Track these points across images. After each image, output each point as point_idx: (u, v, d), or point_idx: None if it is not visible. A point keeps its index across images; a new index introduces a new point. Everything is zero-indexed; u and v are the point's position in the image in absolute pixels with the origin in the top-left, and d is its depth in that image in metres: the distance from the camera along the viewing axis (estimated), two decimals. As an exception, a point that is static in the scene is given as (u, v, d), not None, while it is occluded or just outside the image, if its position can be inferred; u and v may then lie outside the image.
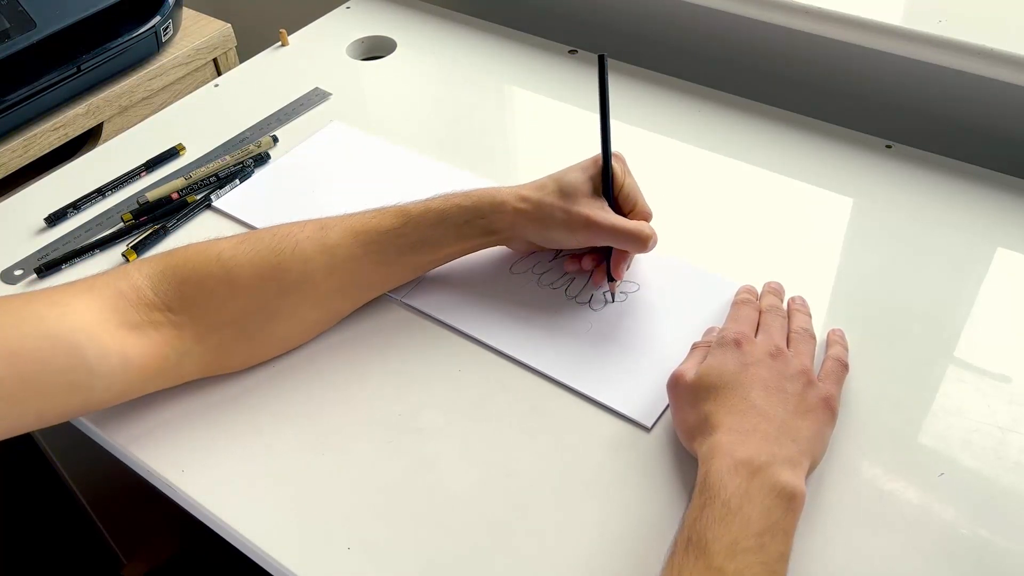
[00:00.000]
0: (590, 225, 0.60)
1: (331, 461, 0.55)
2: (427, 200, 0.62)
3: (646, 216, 0.63)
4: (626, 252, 0.63)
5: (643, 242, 0.61)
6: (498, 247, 0.67)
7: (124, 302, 0.54)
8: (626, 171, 0.63)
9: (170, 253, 0.58)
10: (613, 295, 0.65)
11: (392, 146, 0.80)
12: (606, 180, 0.62)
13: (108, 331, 0.52)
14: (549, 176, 0.63)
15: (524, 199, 0.61)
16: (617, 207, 0.63)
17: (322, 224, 0.60)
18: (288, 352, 0.62)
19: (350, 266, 0.60)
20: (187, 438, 0.57)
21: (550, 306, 0.64)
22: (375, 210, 0.62)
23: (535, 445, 0.56)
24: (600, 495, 0.53)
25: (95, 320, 0.52)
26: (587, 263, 0.65)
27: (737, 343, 0.54)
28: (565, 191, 0.61)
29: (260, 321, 0.58)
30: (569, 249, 0.66)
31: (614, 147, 0.62)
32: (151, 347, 0.54)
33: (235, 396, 0.59)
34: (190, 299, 0.56)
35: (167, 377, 0.57)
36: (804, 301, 0.62)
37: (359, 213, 0.61)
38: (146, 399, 0.58)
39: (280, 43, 0.95)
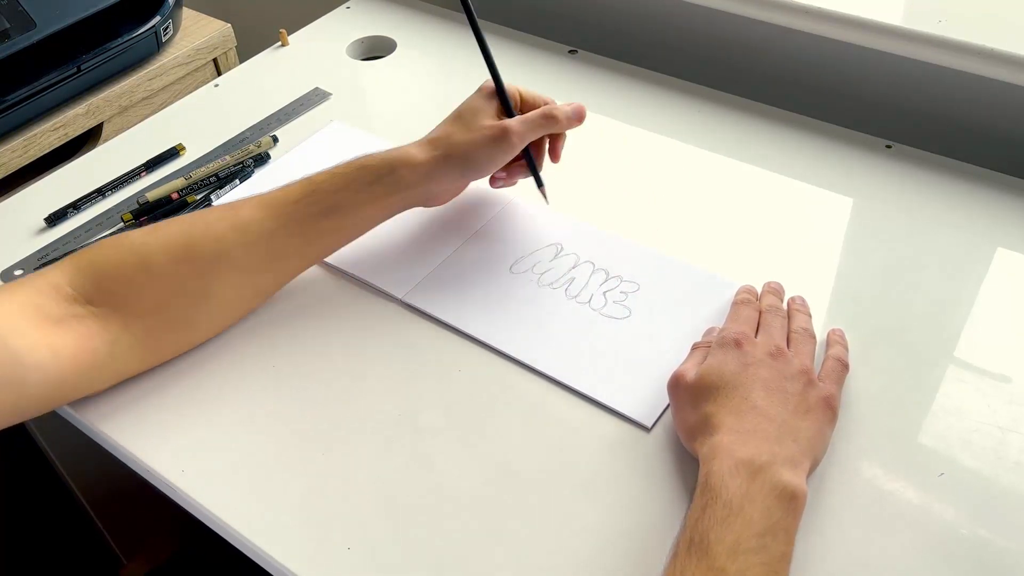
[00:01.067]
0: (509, 127, 0.63)
1: (331, 461, 0.55)
2: (333, 167, 0.63)
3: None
4: (543, 141, 0.67)
5: (563, 118, 0.65)
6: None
7: (43, 298, 0.55)
8: (518, 87, 0.67)
9: (83, 250, 0.59)
10: (545, 197, 0.69)
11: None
12: (503, 98, 0.66)
13: (32, 325, 0.53)
14: (443, 121, 0.66)
15: (431, 143, 0.64)
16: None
17: (231, 205, 0.61)
18: (286, 351, 0.62)
19: (265, 240, 0.60)
20: (187, 438, 0.57)
21: (550, 306, 0.64)
22: (283, 185, 0.63)
23: (535, 445, 0.56)
24: (600, 495, 0.53)
25: (17, 316, 0.53)
26: (515, 172, 0.68)
27: (737, 343, 0.54)
28: (467, 117, 0.65)
29: (183, 305, 0.59)
30: (495, 172, 0.68)
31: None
32: (78, 339, 0.54)
33: (234, 396, 0.59)
34: (109, 291, 0.56)
35: (104, 371, 0.57)
36: (804, 301, 0.62)
37: (267, 190, 0.62)
38: (145, 398, 0.58)
39: (280, 43, 0.95)
